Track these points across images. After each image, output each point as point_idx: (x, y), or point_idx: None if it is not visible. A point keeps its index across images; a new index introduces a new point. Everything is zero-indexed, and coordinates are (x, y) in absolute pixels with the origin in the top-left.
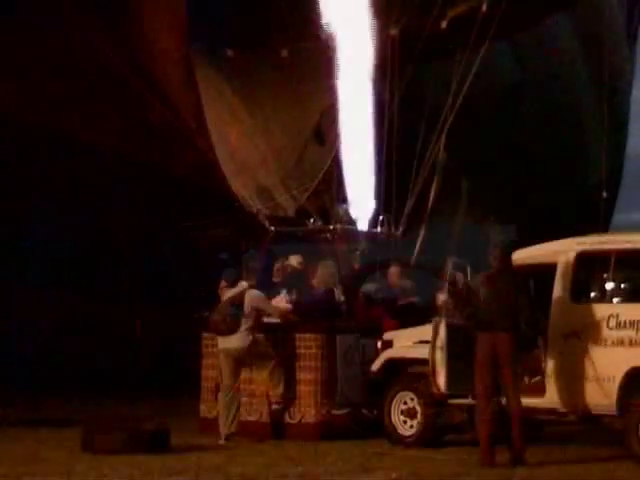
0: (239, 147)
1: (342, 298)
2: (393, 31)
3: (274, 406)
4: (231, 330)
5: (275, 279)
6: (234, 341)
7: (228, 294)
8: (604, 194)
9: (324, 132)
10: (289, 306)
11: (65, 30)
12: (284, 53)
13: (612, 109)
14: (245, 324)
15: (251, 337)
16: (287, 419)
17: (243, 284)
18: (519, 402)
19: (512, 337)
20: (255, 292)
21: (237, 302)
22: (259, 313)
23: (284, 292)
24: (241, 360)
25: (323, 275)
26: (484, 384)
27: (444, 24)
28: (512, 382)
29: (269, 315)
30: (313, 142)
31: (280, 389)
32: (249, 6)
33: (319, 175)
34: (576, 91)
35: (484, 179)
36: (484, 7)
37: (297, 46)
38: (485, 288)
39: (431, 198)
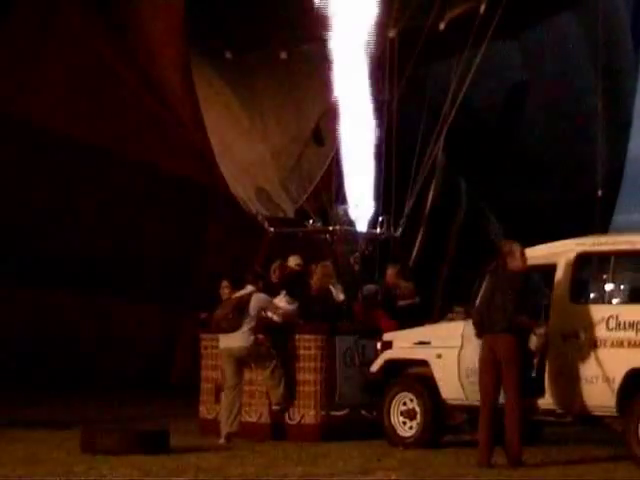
0: (238, 149)
1: (341, 297)
2: (391, 33)
3: (274, 407)
4: (233, 328)
5: (272, 279)
6: (236, 340)
7: (235, 295)
8: (599, 192)
9: (323, 133)
10: (289, 307)
11: (65, 31)
12: (283, 55)
13: (616, 110)
14: (248, 324)
15: (252, 337)
16: (287, 420)
17: (250, 287)
18: (519, 404)
19: (512, 338)
20: (262, 295)
21: (243, 305)
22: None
23: (283, 293)
24: (243, 360)
25: (320, 275)
26: (485, 384)
27: (442, 25)
28: (512, 383)
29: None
30: (312, 143)
31: (280, 390)
32: (248, 8)
33: (318, 176)
34: (581, 91)
35: (484, 179)
36: (482, 8)
37: (296, 48)
38: (486, 289)
39: (429, 198)
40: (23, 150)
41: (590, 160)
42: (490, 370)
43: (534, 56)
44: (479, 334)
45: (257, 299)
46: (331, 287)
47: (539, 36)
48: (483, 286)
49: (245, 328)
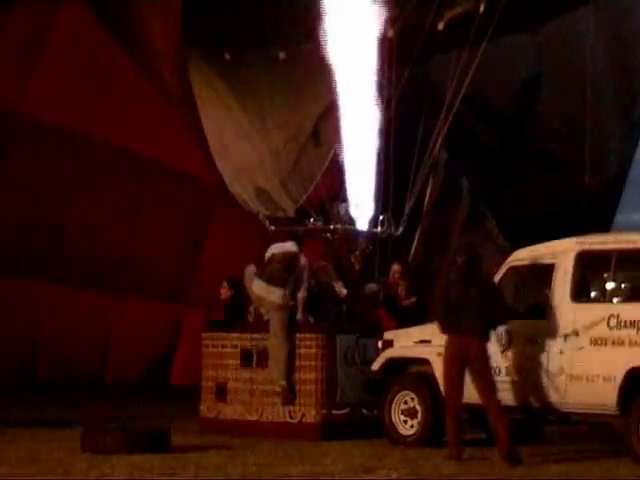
0: (237, 149)
1: (344, 291)
2: (390, 32)
3: (276, 388)
4: (280, 283)
5: None
6: (273, 295)
7: (284, 251)
8: (586, 178)
9: (322, 133)
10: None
11: (66, 33)
12: (282, 55)
13: (630, 108)
14: (290, 285)
15: (286, 302)
16: (287, 418)
17: (293, 244)
18: (496, 402)
19: (480, 340)
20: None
21: (292, 262)
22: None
23: None
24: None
25: (313, 273)
26: (449, 382)
27: (441, 25)
28: (489, 384)
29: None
30: (311, 143)
31: (274, 374)
32: (247, 8)
33: (318, 175)
34: (594, 89)
35: (486, 177)
36: (482, 7)
37: (295, 48)
38: (455, 289)
39: (427, 197)
40: (22, 145)
41: (597, 159)
42: (458, 368)
43: (550, 51)
44: (444, 331)
45: (303, 261)
46: (334, 284)
47: (554, 32)
48: (447, 285)
49: (288, 288)
